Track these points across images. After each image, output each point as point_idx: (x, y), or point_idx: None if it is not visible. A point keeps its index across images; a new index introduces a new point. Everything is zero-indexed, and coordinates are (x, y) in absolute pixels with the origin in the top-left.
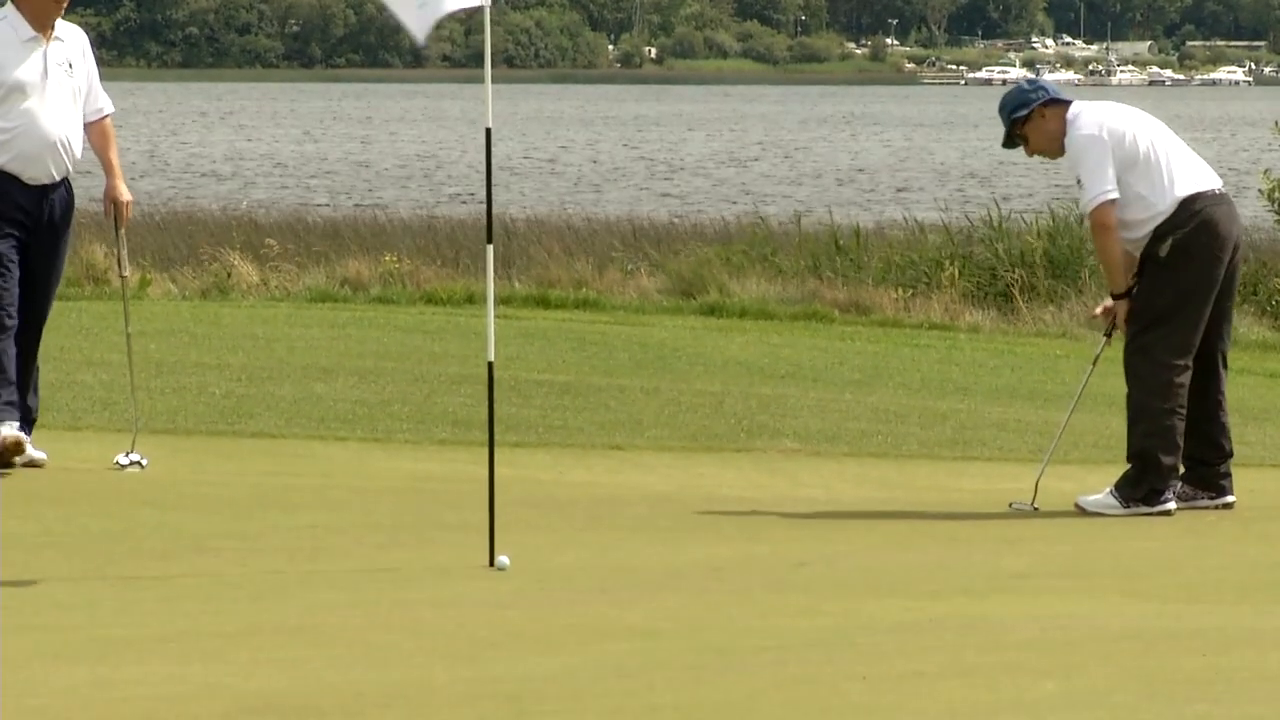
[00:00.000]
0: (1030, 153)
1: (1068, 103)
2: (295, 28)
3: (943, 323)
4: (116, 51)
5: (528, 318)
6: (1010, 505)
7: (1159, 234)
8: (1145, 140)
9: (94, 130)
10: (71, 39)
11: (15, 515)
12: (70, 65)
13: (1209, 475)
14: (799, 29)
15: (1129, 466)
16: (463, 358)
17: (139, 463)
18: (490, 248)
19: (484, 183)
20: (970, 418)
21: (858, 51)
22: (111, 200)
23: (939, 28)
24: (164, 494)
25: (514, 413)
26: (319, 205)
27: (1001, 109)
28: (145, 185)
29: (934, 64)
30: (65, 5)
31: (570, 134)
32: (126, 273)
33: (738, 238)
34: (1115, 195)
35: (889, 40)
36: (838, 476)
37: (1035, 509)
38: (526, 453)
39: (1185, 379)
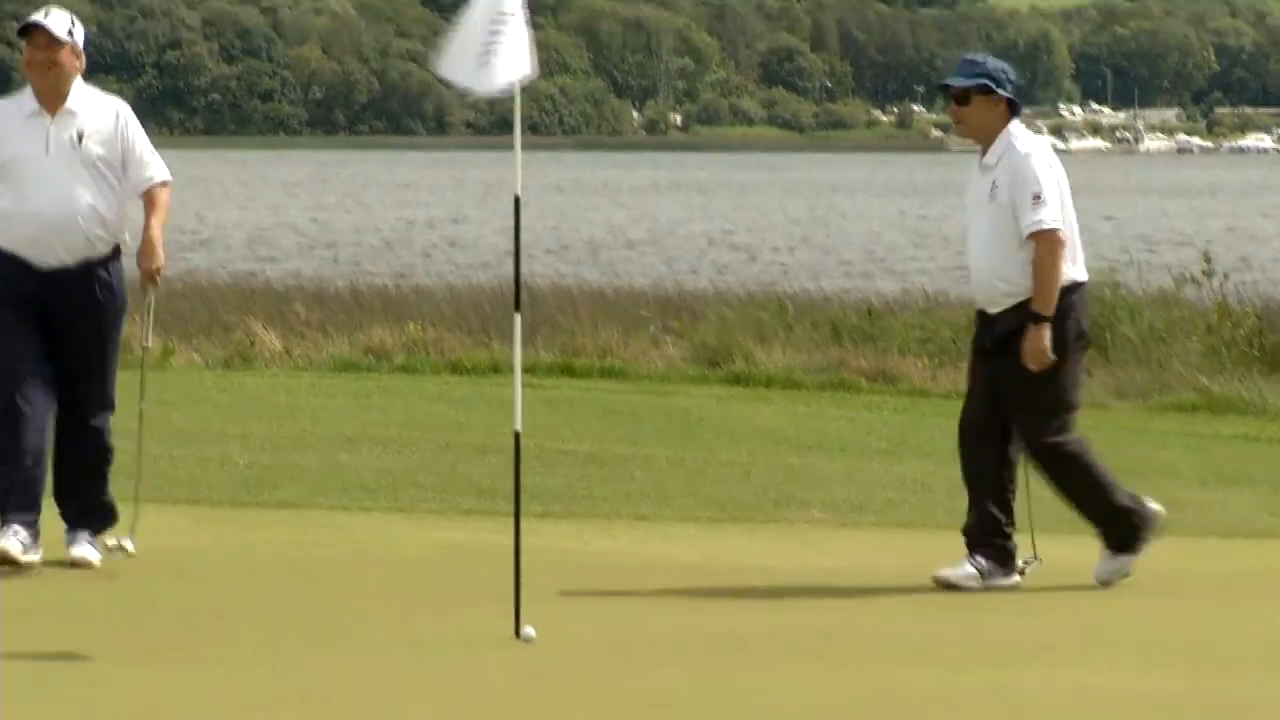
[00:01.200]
0: (961, 127)
1: (1017, 114)
2: (318, 94)
3: None
4: (138, 118)
5: (552, 386)
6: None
7: (1062, 311)
8: (1068, 205)
9: (144, 200)
10: (95, 111)
11: (35, 584)
12: (80, 138)
13: (1009, 549)
14: (824, 95)
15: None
16: (488, 427)
17: (123, 546)
18: (518, 316)
19: (508, 250)
20: None
21: (884, 118)
22: (139, 263)
23: None
24: (186, 564)
25: (539, 482)
26: (343, 273)
27: (977, 65)
28: (168, 254)
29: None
30: (64, 77)
31: (594, 201)
32: (149, 343)
33: (762, 306)
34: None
35: (916, 107)
36: (864, 546)
37: (1038, 560)
38: (552, 523)
39: None
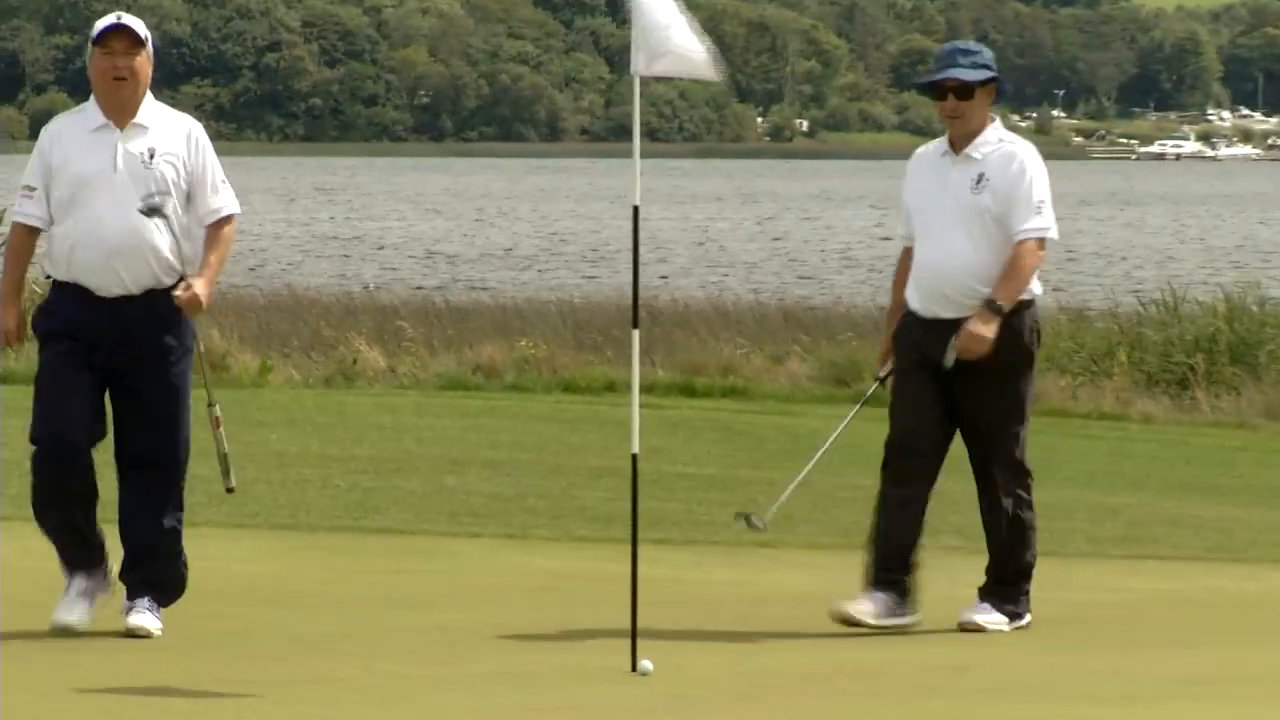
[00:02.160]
0: (958, 123)
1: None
2: (425, 99)
3: (1113, 412)
4: (235, 124)
5: (671, 407)
6: (737, 515)
7: (1030, 324)
8: None
9: (208, 232)
10: (168, 128)
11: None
12: (151, 156)
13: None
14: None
15: (1007, 581)
16: (602, 449)
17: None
18: (636, 333)
19: (625, 263)
20: (1142, 513)
21: (1022, 124)
22: (184, 289)
23: (1108, 99)
24: (285, 593)
25: (657, 507)
26: (451, 287)
27: (975, 54)
28: (265, 265)
29: (1103, 137)
30: (140, 87)
31: (716, 211)
32: (214, 410)
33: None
34: None
35: (1055, 112)
36: None
37: (763, 528)
38: (670, 550)
39: None
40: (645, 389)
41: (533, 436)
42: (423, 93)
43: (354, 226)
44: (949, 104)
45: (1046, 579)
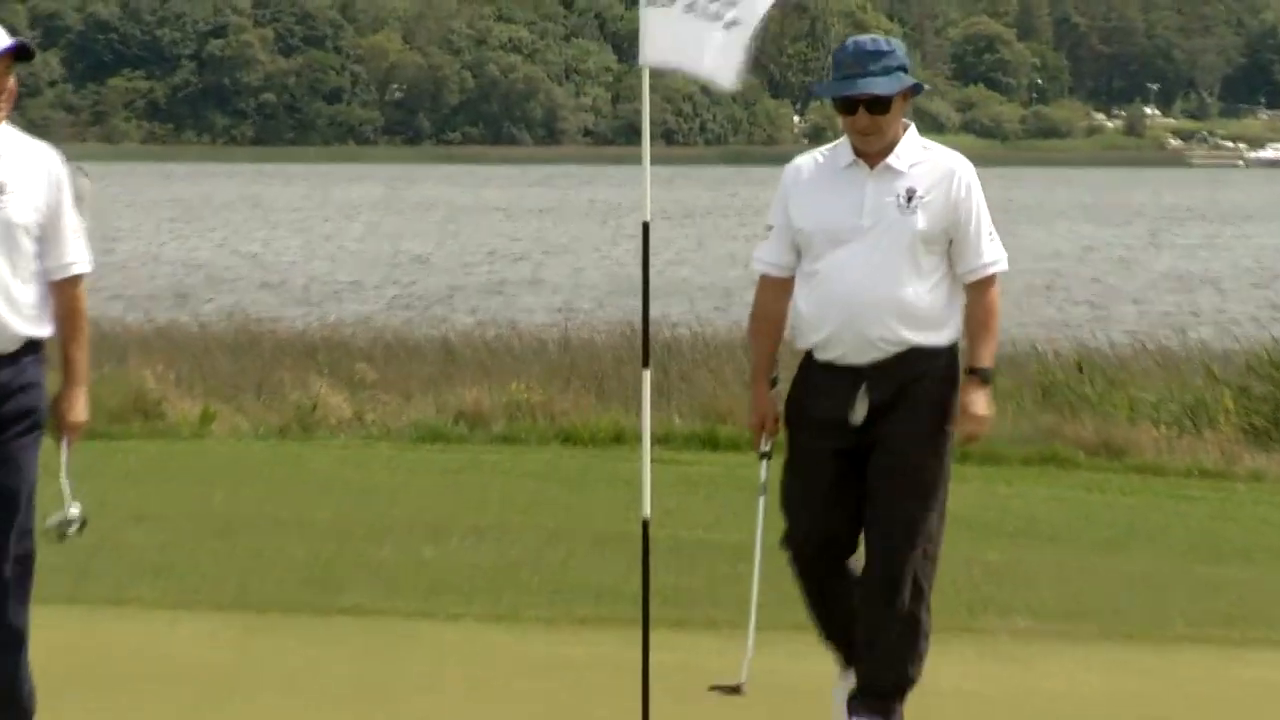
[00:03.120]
0: (872, 139)
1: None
2: (398, 94)
3: (1216, 469)
4: (173, 124)
5: (690, 461)
6: (710, 688)
7: (955, 376)
8: None
9: (59, 295)
10: (21, 160)
11: (49, 708)
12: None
13: None
14: (1034, 96)
15: (882, 694)
16: (609, 512)
17: (69, 523)
18: (647, 373)
19: (635, 292)
20: (1251, 588)
21: (1109, 124)
22: (55, 414)
23: (1211, 95)
24: (234, 683)
25: (673, 582)
26: (429, 320)
27: (888, 56)
28: (204, 294)
29: (1206, 140)
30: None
31: (741, 228)
32: (75, 513)
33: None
34: None
35: (1148, 110)
36: (1083, 664)
37: (740, 690)
38: (689, 634)
39: None
40: (660, 440)
41: (526, 497)
42: (396, 87)
43: (310, 247)
44: (861, 119)
45: (1138, 667)
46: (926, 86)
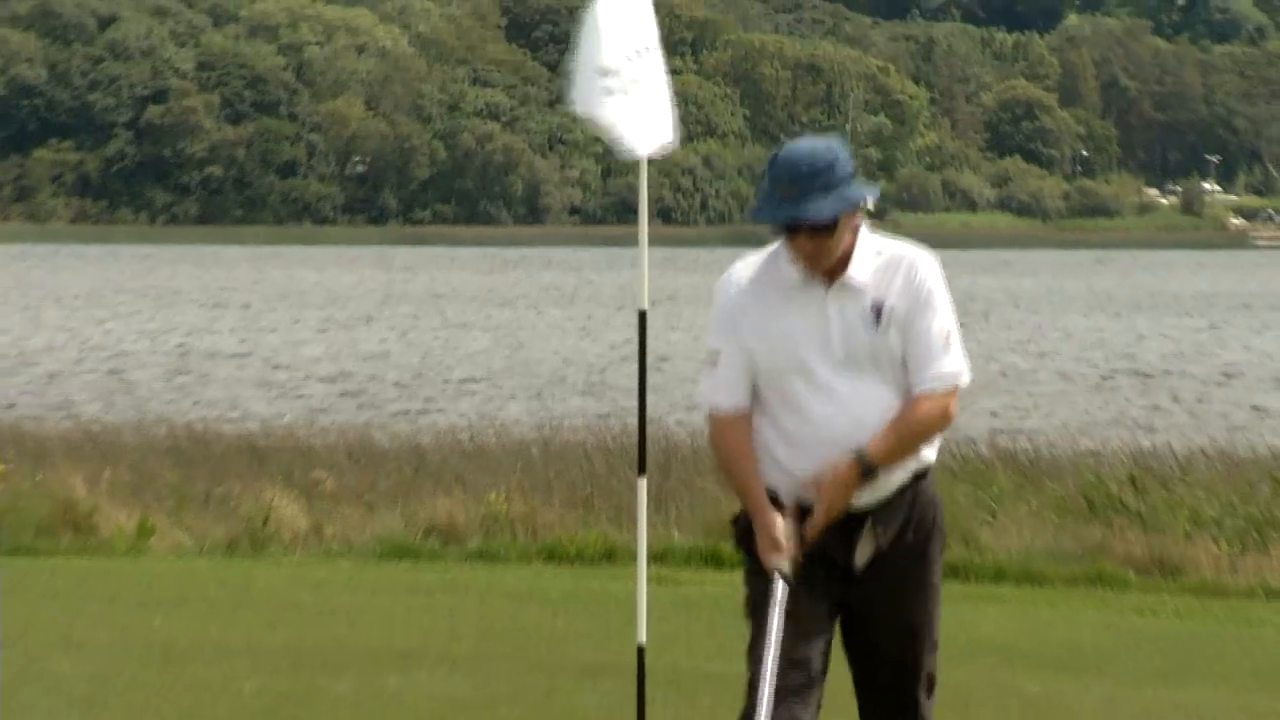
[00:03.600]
0: (815, 262)
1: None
2: (360, 167)
3: None
4: (106, 201)
5: (691, 581)
6: None
7: (936, 503)
8: None
9: None
10: None
11: None
12: None
13: None
14: (1078, 169)
15: None
16: (600, 638)
17: None
18: (643, 481)
19: (628, 389)
20: None
21: (1163, 201)
22: None
23: (1278, 168)
24: None
25: (674, 717)
26: (395, 423)
27: (825, 173)
28: (140, 393)
29: (1272, 218)
30: None
31: None
32: None
33: (988, 466)
34: None
35: (1207, 185)
36: None
37: None
38: None
39: None
40: (657, 558)
41: (505, 621)
42: (357, 159)
43: (260, 340)
44: (804, 244)
45: None
46: (873, 200)
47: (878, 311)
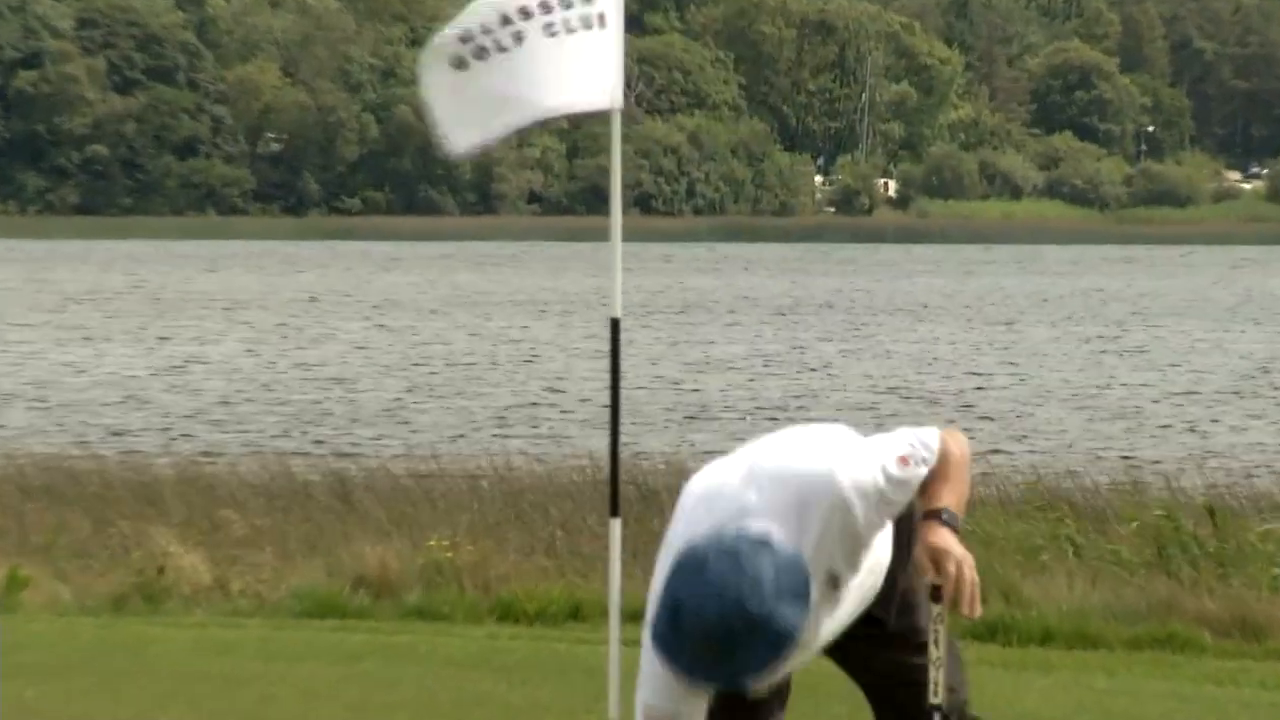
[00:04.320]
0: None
1: None
2: (276, 146)
3: None
4: None
5: None
6: None
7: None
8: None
9: None
10: None
11: None
12: None
13: None
14: (1144, 149)
15: None
16: (567, 713)
17: None
18: (616, 524)
19: (597, 415)
20: None
21: (1245, 186)
22: None
23: None
24: None
25: None
26: (315, 452)
27: (733, 652)
28: (14, 423)
29: None
30: None
31: (740, 330)
32: None
33: (1034, 507)
34: None
35: None
36: None
37: None
38: None
39: None
40: (632, 616)
41: (451, 692)
42: (272, 136)
43: (152, 355)
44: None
45: None
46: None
47: (834, 584)
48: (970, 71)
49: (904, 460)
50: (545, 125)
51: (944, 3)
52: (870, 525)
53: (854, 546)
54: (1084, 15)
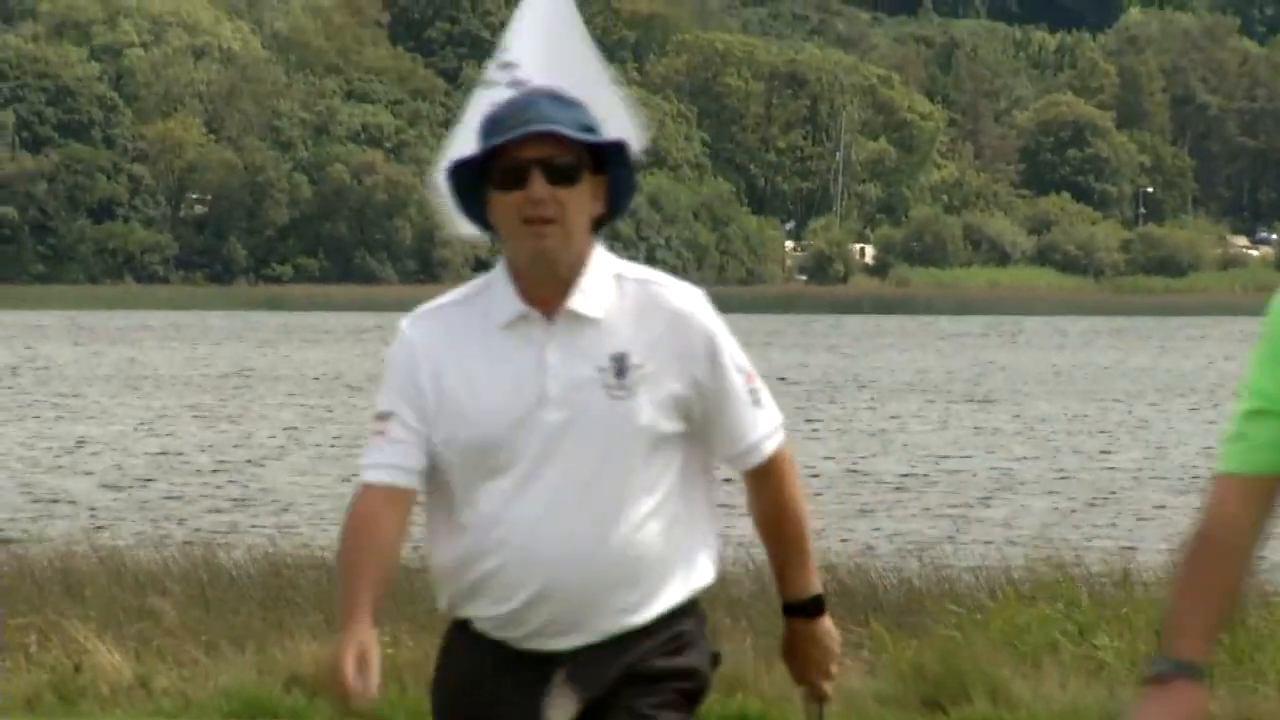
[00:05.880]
0: (552, 239)
1: None
2: (200, 209)
3: None
4: None
5: None
6: None
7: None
8: None
9: None
10: None
11: None
12: None
13: None
14: (1142, 212)
15: None
16: None
17: None
18: None
19: None
20: None
21: (1252, 253)
22: None
23: None
24: None
25: None
26: (247, 536)
27: (565, 104)
28: None
29: None
30: None
31: None
32: None
33: (1027, 597)
34: None
35: None
36: None
37: None
38: None
39: None
40: None
41: None
42: (196, 197)
43: (69, 430)
44: (534, 190)
45: None
46: (642, 154)
47: (620, 365)
48: (954, 128)
49: (755, 385)
50: None
51: (925, 54)
52: (697, 363)
53: (674, 361)
54: (1078, 67)
